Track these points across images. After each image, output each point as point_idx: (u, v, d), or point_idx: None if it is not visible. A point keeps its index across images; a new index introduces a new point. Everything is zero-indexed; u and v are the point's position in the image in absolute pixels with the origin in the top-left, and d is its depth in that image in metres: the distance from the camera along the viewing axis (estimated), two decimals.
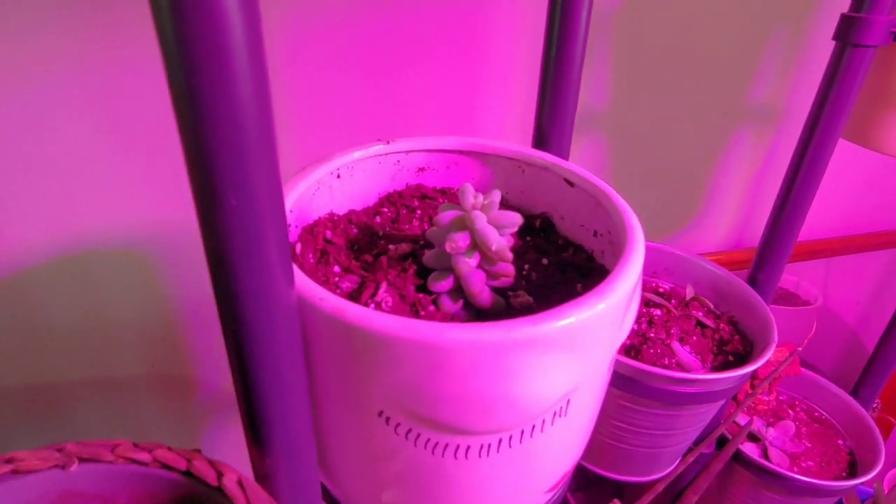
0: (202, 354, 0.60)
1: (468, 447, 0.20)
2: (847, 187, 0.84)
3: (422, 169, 0.32)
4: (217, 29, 0.12)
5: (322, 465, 0.24)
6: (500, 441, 0.20)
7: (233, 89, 0.13)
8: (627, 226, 0.24)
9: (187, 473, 0.20)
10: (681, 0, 0.54)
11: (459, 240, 0.23)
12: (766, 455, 0.55)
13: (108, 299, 0.52)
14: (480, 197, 0.24)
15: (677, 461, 0.47)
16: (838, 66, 0.36)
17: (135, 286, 0.53)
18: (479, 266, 0.24)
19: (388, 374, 0.18)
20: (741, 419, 0.57)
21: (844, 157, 0.79)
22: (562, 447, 0.23)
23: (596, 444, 0.45)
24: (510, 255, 0.24)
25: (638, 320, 0.44)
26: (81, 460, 0.20)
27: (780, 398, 0.64)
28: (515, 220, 0.24)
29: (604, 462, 0.45)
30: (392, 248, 0.27)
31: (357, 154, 0.29)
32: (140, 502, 0.21)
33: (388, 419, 0.20)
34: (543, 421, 0.20)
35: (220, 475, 0.20)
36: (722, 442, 0.54)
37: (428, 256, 0.25)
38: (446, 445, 0.20)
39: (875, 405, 0.82)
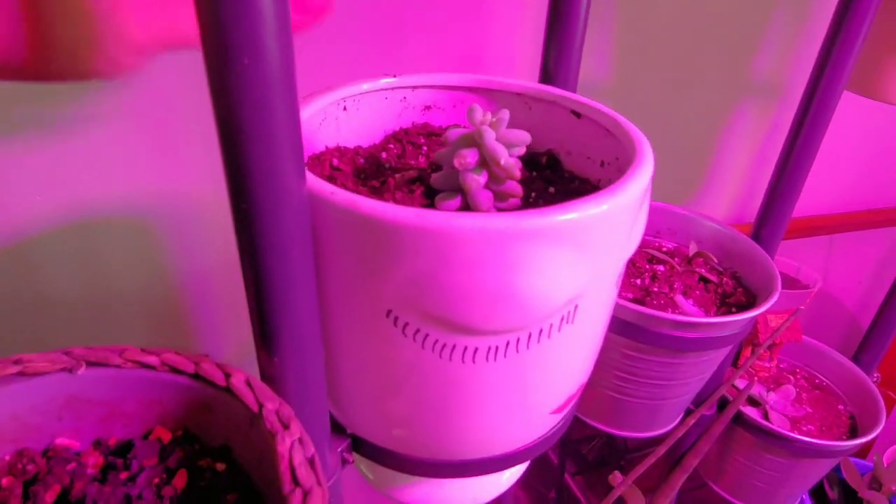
0: (205, 326, 0.60)
1: (476, 349, 0.20)
2: (850, 163, 0.84)
3: (428, 107, 0.32)
4: None
5: (328, 388, 0.24)
6: (507, 344, 0.20)
7: None
8: (637, 145, 0.24)
9: (195, 376, 0.20)
10: None
11: (468, 155, 0.23)
12: (766, 418, 0.55)
13: (110, 270, 0.52)
14: (489, 115, 0.24)
15: (677, 420, 0.47)
16: (843, 17, 0.36)
17: (137, 257, 0.52)
18: (487, 185, 0.24)
19: (398, 267, 0.18)
20: (740, 383, 0.57)
21: (848, 134, 0.79)
22: (569, 360, 0.23)
23: (597, 398, 0.45)
24: (518, 173, 0.24)
25: (641, 276, 0.44)
26: (89, 364, 0.20)
27: (781, 366, 0.64)
28: (524, 137, 0.24)
29: (604, 416, 0.45)
30: (399, 175, 0.27)
31: (365, 86, 0.29)
32: (148, 407, 0.21)
33: (396, 319, 0.20)
34: (551, 325, 0.20)
35: (227, 376, 0.20)
36: (722, 405, 0.54)
37: (436, 177, 0.25)
38: (454, 347, 0.20)
39: (875, 378, 0.82)
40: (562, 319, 0.20)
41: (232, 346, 0.62)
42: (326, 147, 0.29)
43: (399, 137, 0.32)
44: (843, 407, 0.59)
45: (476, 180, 0.23)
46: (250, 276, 0.18)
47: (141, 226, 0.51)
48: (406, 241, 0.18)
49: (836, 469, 0.80)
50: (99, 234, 0.49)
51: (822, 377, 0.62)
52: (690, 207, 0.76)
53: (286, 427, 0.18)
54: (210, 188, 0.50)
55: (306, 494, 0.16)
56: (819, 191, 0.85)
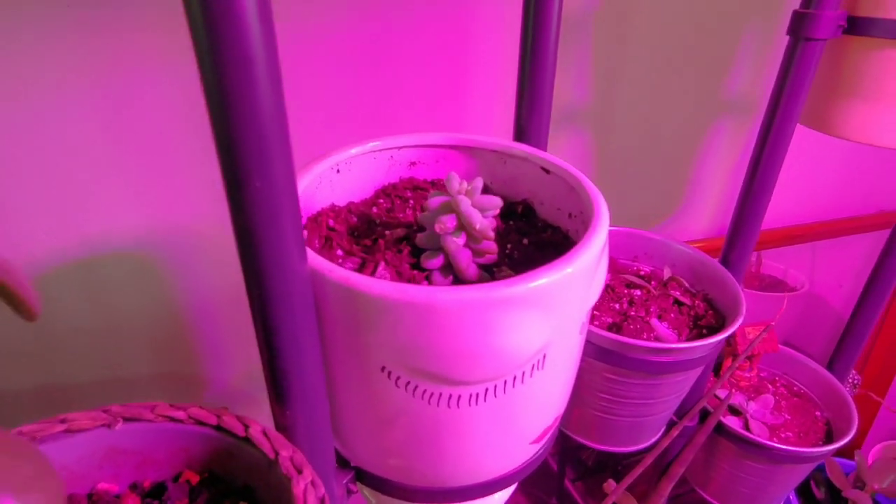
0: (210, 355, 0.63)
1: (459, 396, 0.23)
2: (824, 175, 0.88)
3: (413, 163, 0.36)
4: (243, 43, 0.15)
5: (333, 427, 0.27)
6: (486, 391, 0.23)
7: (255, 92, 0.16)
8: (594, 204, 0.27)
9: (218, 427, 0.23)
10: (657, 0, 0.58)
11: (447, 221, 0.26)
12: (747, 427, 0.58)
13: (117, 302, 0.55)
14: (465, 183, 0.27)
15: (660, 433, 0.50)
16: (792, 58, 0.40)
17: (143, 289, 0.55)
18: (466, 245, 0.27)
19: (388, 332, 0.21)
20: (721, 393, 0.60)
21: (823, 147, 0.82)
22: (542, 399, 0.26)
23: (586, 418, 0.48)
24: (492, 234, 0.27)
25: (619, 300, 0.48)
26: (125, 420, 0.24)
27: (762, 375, 0.67)
28: (496, 202, 0.27)
29: (593, 434, 0.48)
30: (388, 233, 0.30)
31: (354, 150, 0.32)
32: (177, 454, 0.24)
33: (389, 373, 0.23)
34: (523, 373, 0.24)
35: (246, 427, 0.23)
36: (704, 416, 0.57)
37: (420, 238, 0.28)
38: (440, 395, 0.23)
39: (855, 382, 0.86)
40: (533, 367, 0.24)
41: (240, 371, 0.65)
42: (322, 208, 0.32)
43: (388, 192, 0.35)
44: (819, 413, 0.62)
45: (455, 242, 0.27)
46: (264, 344, 0.21)
47: (146, 259, 0.54)
48: (393, 312, 0.21)
49: (822, 469, 0.83)
50: (105, 267, 0.52)
51: (799, 384, 0.65)
52: (669, 224, 0.79)
53: (300, 472, 0.21)
54: (212, 222, 0.53)
55: None
56: (798, 201, 0.89)
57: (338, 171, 0.32)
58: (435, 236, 0.27)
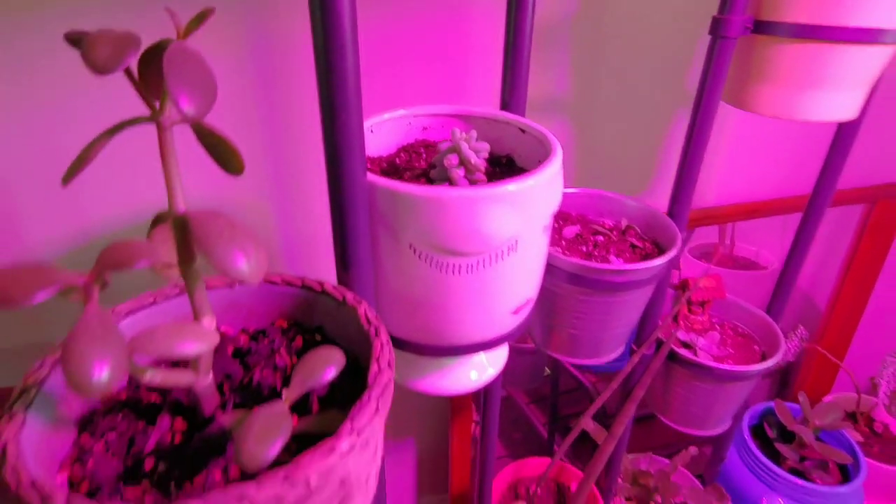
0: None
1: (460, 266, 0.36)
2: (766, 159, 0.99)
3: (425, 128, 0.48)
4: (341, 31, 0.28)
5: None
6: (478, 262, 0.36)
7: (345, 60, 0.28)
8: (552, 147, 0.39)
9: (302, 286, 0.36)
10: (628, 4, 0.70)
11: (452, 159, 0.39)
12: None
13: (120, 292, 0.66)
14: (464, 133, 0.40)
15: (619, 350, 0.62)
16: (713, 52, 0.52)
17: (148, 278, 0.67)
18: (465, 176, 0.40)
19: (414, 219, 0.34)
20: (680, 335, 0.73)
21: (766, 127, 0.94)
22: (517, 276, 0.38)
23: (561, 336, 0.60)
24: (483, 168, 0.39)
25: (586, 244, 0.60)
26: (240, 283, 0.36)
27: (713, 320, 0.79)
28: (485, 146, 0.40)
29: (563, 348, 0.61)
30: (408, 173, 0.43)
31: (386, 116, 0.45)
32: (272, 308, 0.36)
33: (414, 249, 0.35)
34: (503, 252, 0.36)
35: (321, 284, 0.35)
36: (660, 346, 0.70)
37: (433, 173, 0.41)
38: (447, 264, 0.36)
39: (803, 336, 0.98)
40: (508, 248, 0.36)
41: None
42: None
43: (406, 149, 0.47)
44: (757, 347, 0.75)
45: (458, 173, 0.39)
46: (337, 227, 0.34)
47: None
48: (417, 204, 0.33)
49: (773, 413, 0.96)
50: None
51: (744, 327, 0.78)
52: (644, 198, 0.92)
53: (360, 303, 0.33)
54: (240, 201, 0.63)
55: (377, 329, 0.31)
56: (754, 180, 1.01)
57: (371, 131, 0.45)
58: (443, 170, 0.40)
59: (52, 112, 0.51)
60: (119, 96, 0.50)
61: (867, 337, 1.33)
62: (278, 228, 0.66)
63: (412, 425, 0.98)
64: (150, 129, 0.23)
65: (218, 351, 0.34)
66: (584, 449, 1.09)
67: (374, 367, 0.28)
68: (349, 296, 0.34)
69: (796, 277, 0.75)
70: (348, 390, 0.31)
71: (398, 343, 0.41)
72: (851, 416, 1.05)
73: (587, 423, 0.80)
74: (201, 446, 0.28)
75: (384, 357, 0.29)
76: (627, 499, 0.93)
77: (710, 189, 0.97)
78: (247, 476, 0.25)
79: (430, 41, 0.60)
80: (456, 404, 0.92)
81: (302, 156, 0.61)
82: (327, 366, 0.28)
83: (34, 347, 0.62)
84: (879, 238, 1.19)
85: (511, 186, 0.34)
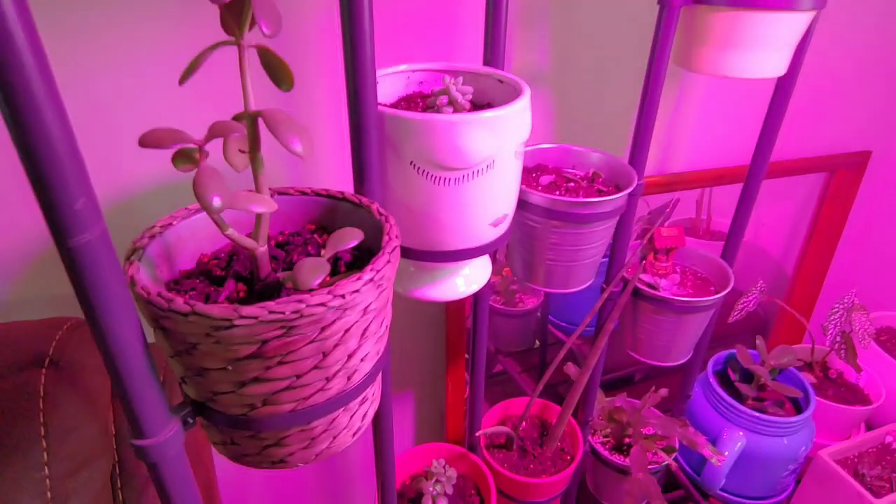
0: None
1: (449, 178, 0.46)
2: (732, 126, 1.10)
3: (421, 82, 0.58)
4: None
5: None
6: (464, 176, 0.46)
7: (362, 15, 0.38)
8: (522, 88, 0.50)
9: (328, 196, 0.46)
10: None
11: (443, 99, 0.49)
12: None
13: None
14: (453, 79, 0.50)
15: (589, 280, 0.73)
16: (661, 19, 0.63)
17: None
18: (453, 112, 0.50)
19: (414, 139, 0.44)
20: (644, 277, 0.83)
21: (733, 96, 1.05)
22: (495, 191, 0.49)
23: (538, 270, 0.71)
24: (468, 107, 0.49)
25: (559, 189, 0.70)
26: (279, 193, 0.46)
27: (676, 267, 0.90)
28: (469, 90, 0.50)
29: (540, 279, 0.71)
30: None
31: (389, 70, 0.55)
32: (303, 215, 0.46)
33: (414, 165, 0.45)
34: (482, 169, 0.46)
35: (343, 193, 0.45)
36: (626, 285, 0.80)
37: (428, 111, 0.51)
38: (439, 177, 0.46)
39: (762, 289, 1.09)
40: (487, 167, 0.46)
41: None
42: None
43: (406, 99, 0.57)
44: (713, 288, 0.85)
45: (448, 110, 0.49)
46: (355, 147, 0.44)
47: (174, 199, 0.69)
48: (417, 127, 0.43)
49: (735, 358, 1.06)
50: (137, 209, 0.69)
51: (702, 271, 0.89)
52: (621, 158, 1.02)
53: (372, 203, 0.43)
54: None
55: (386, 217, 0.41)
56: (730, 146, 1.11)
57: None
58: (436, 108, 0.50)
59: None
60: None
61: (830, 298, 1.45)
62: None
63: (412, 379, 1.08)
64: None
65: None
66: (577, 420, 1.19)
67: (386, 237, 0.39)
68: (364, 199, 0.44)
69: (743, 230, 0.85)
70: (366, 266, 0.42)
71: (403, 252, 0.52)
72: (808, 366, 1.16)
73: (568, 367, 0.90)
74: (263, 292, 0.38)
75: (393, 231, 0.39)
76: (605, 435, 1.04)
77: (680, 155, 1.08)
78: None
79: (426, 4, 0.71)
80: (450, 357, 1.02)
81: (317, 105, 0.71)
82: (352, 237, 0.38)
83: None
84: (839, 205, 1.30)
85: (487, 114, 0.44)
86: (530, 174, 0.73)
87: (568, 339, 0.81)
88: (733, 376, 1.07)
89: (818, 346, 1.16)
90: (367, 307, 0.35)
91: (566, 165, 0.76)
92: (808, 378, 1.06)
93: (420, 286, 0.56)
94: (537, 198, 0.63)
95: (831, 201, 1.32)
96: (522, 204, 0.65)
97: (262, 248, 0.38)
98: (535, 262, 0.70)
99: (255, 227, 0.37)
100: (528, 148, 0.73)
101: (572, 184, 0.71)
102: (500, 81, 0.55)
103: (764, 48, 0.61)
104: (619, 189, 0.71)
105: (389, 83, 0.56)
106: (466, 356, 1.01)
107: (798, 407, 1.04)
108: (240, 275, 0.41)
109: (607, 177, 0.73)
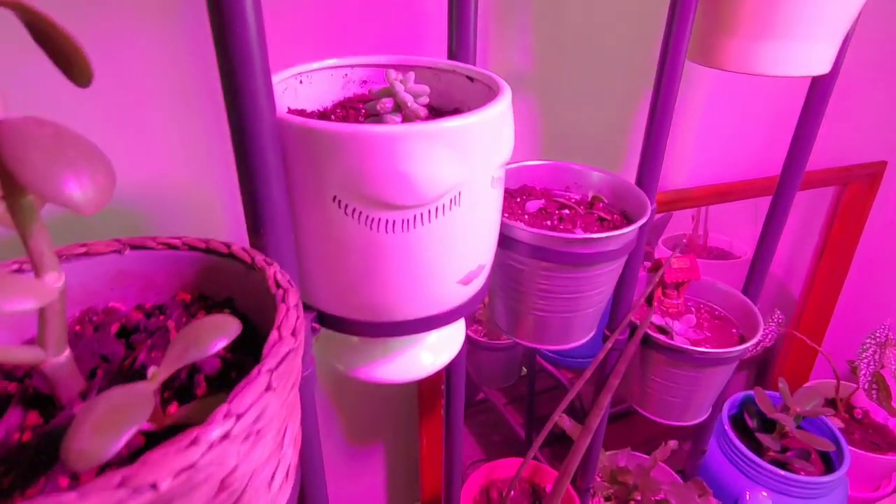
0: None
1: (394, 221, 0.30)
2: (737, 140, 0.97)
3: (364, 81, 0.43)
4: None
5: (295, 277, 0.34)
6: (414, 217, 0.30)
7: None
8: (500, 87, 0.34)
9: (206, 250, 0.30)
10: None
11: (386, 102, 0.33)
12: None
13: None
14: (400, 75, 0.34)
15: (588, 334, 0.58)
16: (676, 3, 0.48)
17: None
18: (402, 122, 0.35)
19: (338, 162, 0.28)
20: (655, 319, 0.68)
21: (738, 107, 0.92)
22: (463, 237, 0.33)
23: (526, 321, 0.55)
24: (423, 114, 0.34)
25: (551, 218, 0.55)
26: (132, 247, 0.30)
27: (689, 303, 0.76)
28: (425, 89, 0.35)
29: (530, 334, 0.56)
30: None
31: (315, 65, 0.40)
32: (172, 279, 0.31)
33: (339, 202, 0.30)
34: (444, 205, 0.31)
35: (229, 246, 0.30)
36: (634, 331, 0.65)
37: (368, 122, 0.35)
38: (379, 220, 0.30)
39: (780, 320, 0.95)
40: (451, 201, 0.31)
41: None
42: (289, 108, 0.39)
43: (344, 104, 0.42)
44: (735, 330, 0.71)
45: (394, 119, 0.34)
46: (244, 179, 0.28)
47: (121, 216, 0.56)
48: (337, 144, 0.28)
49: (753, 401, 0.92)
50: (82, 225, 0.55)
51: (721, 309, 0.74)
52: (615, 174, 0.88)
53: (270, 265, 0.27)
54: (187, 177, 0.58)
55: (286, 292, 0.26)
56: (726, 163, 0.98)
57: (300, 81, 0.39)
58: (377, 117, 0.34)
59: None
60: None
61: (844, 321, 1.32)
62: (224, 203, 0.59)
63: (380, 430, 0.92)
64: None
65: (99, 329, 0.28)
66: (562, 449, 1.04)
67: (273, 336, 0.23)
68: (258, 258, 0.28)
69: (771, 257, 0.71)
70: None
71: (332, 322, 0.36)
72: (831, 403, 1.03)
73: (561, 420, 0.75)
74: (48, 444, 0.21)
75: (288, 324, 0.23)
76: (606, 498, 0.88)
77: (682, 170, 0.94)
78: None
79: None
80: (424, 404, 0.86)
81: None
82: (216, 336, 0.22)
83: None
84: (851, 220, 1.18)
85: (449, 123, 0.29)
86: (514, 199, 0.58)
87: (570, 385, 0.66)
88: (751, 423, 0.92)
89: (843, 381, 1.02)
90: (227, 480, 0.19)
91: (558, 187, 0.61)
92: (835, 423, 0.92)
93: (368, 363, 0.40)
94: (523, 233, 0.48)
95: (843, 216, 1.19)
96: (504, 240, 0.49)
97: (54, 361, 0.22)
98: (522, 312, 0.55)
99: (40, 326, 0.21)
100: (511, 165, 0.58)
101: (567, 210, 0.56)
102: (471, 79, 0.39)
103: (809, 38, 0.47)
104: (625, 216, 0.56)
105: (318, 81, 0.41)
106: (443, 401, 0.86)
107: (825, 456, 0.90)
108: (40, 395, 0.25)
109: (610, 201, 0.58)
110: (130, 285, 0.30)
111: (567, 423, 0.76)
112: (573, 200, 0.60)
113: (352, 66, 0.42)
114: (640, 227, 0.51)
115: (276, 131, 0.28)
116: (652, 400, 0.71)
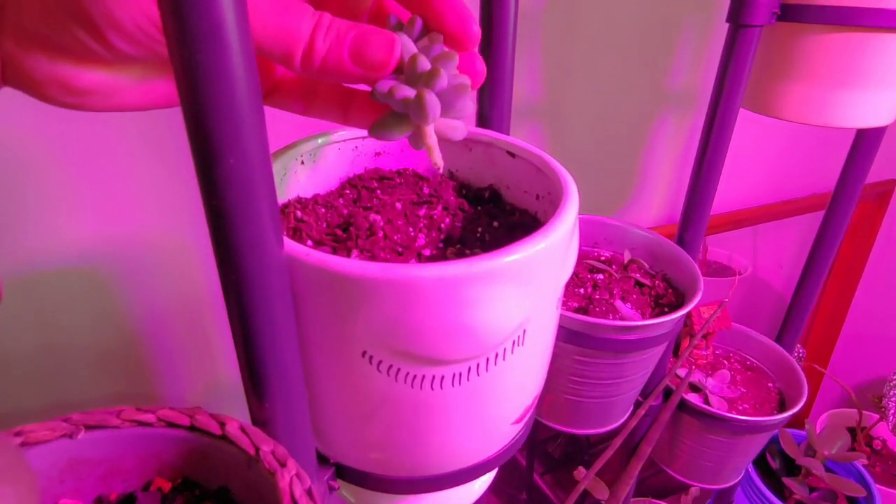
0: (165, 372, 0.60)
1: (442, 377, 0.23)
2: (762, 161, 0.93)
3: (378, 153, 0.35)
4: (214, 11, 0.14)
5: (311, 423, 0.26)
6: (468, 369, 0.23)
7: (227, 62, 0.15)
8: (563, 183, 0.27)
9: (191, 428, 0.22)
10: None
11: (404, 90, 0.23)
12: (707, 402, 0.61)
13: (64, 321, 0.52)
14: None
15: (627, 413, 0.51)
16: (733, 44, 0.42)
17: (91, 306, 0.52)
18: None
19: (368, 313, 0.21)
20: (681, 372, 0.62)
21: (762, 135, 0.87)
22: (524, 376, 0.26)
23: (555, 402, 0.48)
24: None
25: (584, 285, 0.49)
26: (88, 428, 0.22)
27: (717, 352, 0.70)
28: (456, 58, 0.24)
29: (563, 419, 0.49)
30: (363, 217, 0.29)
31: (320, 140, 0.32)
32: (146, 461, 0.23)
33: (371, 358, 0.22)
34: (505, 349, 0.24)
35: (222, 425, 0.22)
36: (668, 395, 0.59)
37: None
38: (423, 377, 0.23)
39: (801, 355, 0.91)
40: (513, 343, 0.24)
41: (198, 387, 0.62)
42: (289, 199, 0.31)
43: (354, 183, 0.34)
44: (772, 384, 0.65)
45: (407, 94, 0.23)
46: (239, 334, 0.21)
47: (93, 274, 0.51)
48: (372, 292, 0.20)
49: (776, 441, 0.87)
50: (50, 284, 0.49)
51: (752, 359, 0.69)
52: (624, 213, 0.82)
53: (283, 465, 0.20)
54: (161, 232, 0.50)
55: None
56: (739, 188, 0.94)
57: (302, 162, 0.32)
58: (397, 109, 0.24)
59: None
60: None
61: (850, 343, 1.29)
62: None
63: None
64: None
65: None
66: (564, 475, 0.99)
67: None
68: (265, 448, 0.21)
69: (813, 298, 0.66)
70: None
71: (354, 477, 0.28)
72: (851, 432, 0.99)
73: (578, 473, 0.69)
74: None
75: None
76: None
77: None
78: None
79: None
80: None
81: None
82: None
83: None
84: (860, 239, 1.15)
85: (519, 254, 0.21)
86: None
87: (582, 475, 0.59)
88: (774, 464, 0.87)
89: (859, 412, 0.98)
90: None
91: (585, 243, 0.54)
92: (859, 458, 0.88)
93: None
94: (564, 319, 0.41)
95: (851, 237, 1.16)
96: None
97: None
98: (553, 396, 0.48)
99: None
100: None
101: (600, 275, 0.50)
102: (512, 155, 0.32)
103: (888, 86, 0.41)
104: (667, 281, 0.50)
105: (324, 158, 0.33)
106: None
107: (852, 499, 0.85)
108: None
109: (648, 261, 0.51)
110: (88, 474, 0.22)
111: (583, 473, 0.70)
112: (604, 259, 0.53)
113: (363, 137, 0.34)
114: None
115: (285, 272, 0.21)
116: (682, 461, 0.65)
